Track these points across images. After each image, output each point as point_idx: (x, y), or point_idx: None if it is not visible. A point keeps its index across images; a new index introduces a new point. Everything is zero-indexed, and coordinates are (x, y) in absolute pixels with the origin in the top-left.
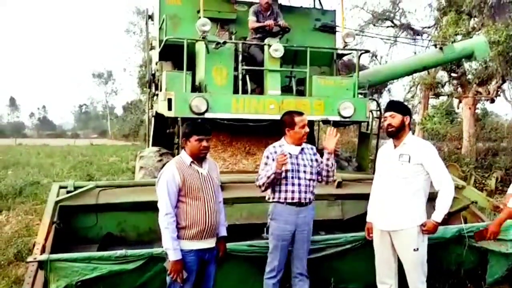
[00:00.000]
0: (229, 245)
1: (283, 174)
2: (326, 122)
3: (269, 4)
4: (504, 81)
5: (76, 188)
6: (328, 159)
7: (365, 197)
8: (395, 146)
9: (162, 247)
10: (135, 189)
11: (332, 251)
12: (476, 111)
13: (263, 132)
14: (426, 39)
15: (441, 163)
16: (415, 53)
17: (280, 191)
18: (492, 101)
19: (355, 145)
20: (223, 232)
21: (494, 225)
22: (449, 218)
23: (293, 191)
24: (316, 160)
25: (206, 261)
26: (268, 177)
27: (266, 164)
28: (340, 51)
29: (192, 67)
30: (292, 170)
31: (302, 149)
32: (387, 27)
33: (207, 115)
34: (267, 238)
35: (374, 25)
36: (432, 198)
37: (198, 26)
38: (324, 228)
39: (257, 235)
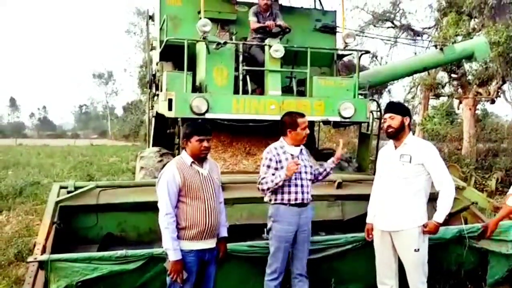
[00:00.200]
0: (230, 246)
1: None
2: (326, 122)
3: (268, 5)
4: (504, 82)
5: (76, 188)
6: (332, 165)
7: (365, 197)
8: (395, 147)
9: (162, 247)
10: (135, 190)
11: (332, 251)
12: (476, 112)
13: (263, 133)
14: (426, 40)
15: (442, 163)
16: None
17: (283, 193)
18: (493, 102)
19: (355, 146)
20: (224, 233)
21: (493, 223)
22: (449, 219)
23: (296, 192)
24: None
25: (206, 261)
26: (276, 184)
27: (269, 167)
28: (340, 52)
29: (192, 67)
30: (297, 172)
31: (301, 150)
32: (388, 27)
33: (207, 116)
34: (267, 239)
35: (375, 25)
36: (433, 198)
37: (199, 26)
38: (324, 228)
39: (257, 235)
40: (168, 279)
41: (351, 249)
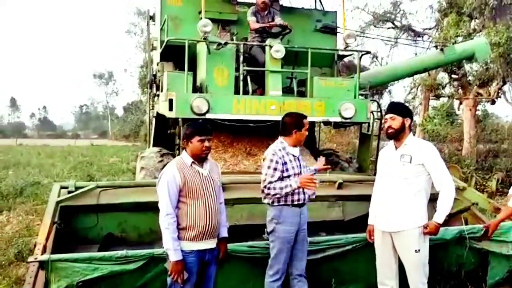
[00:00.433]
0: (230, 246)
1: (291, 178)
2: (327, 123)
3: (265, 3)
4: (504, 83)
5: (77, 188)
6: (311, 172)
7: (366, 198)
8: (396, 147)
9: (163, 247)
10: (136, 190)
11: (333, 252)
12: (477, 112)
13: (264, 133)
14: (427, 40)
15: (442, 164)
16: (416, 54)
17: (287, 195)
18: (493, 102)
19: (356, 146)
20: (224, 233)
21: (494, 224)
22: (449, 220)
23: (298, 193)
24: None
25: (207, 261)
26: (286, 193)
27: (276, 169)
28: (341, 52)
29: (193, 67)
30: (297, 173)
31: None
32: (388, 28)
33: (208, 116)
34: (267, 239)
35: (375, 26)
36: (433, 199)
37: (199, 26)
38: (325, 229)
39: (258, 236)
40: (168, 280)
41: (352, 249)
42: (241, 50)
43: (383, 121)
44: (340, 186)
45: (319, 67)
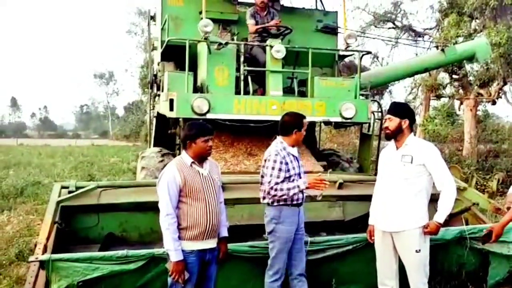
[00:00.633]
0: (230, 246)
1: (292, 178)
2: (327, 123)
3: (264, 3)
4: (505, 83)
5: (77, 188)
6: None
7: (366, 198)
8: (397, 148)
9: (163, 247)
10: (136, 190)
11: (333, 252)
12: (477, 113)
13: (264, 133)
14: (427, 40)
15: (443, 164)
16: (416, 54)
17: (293, 195)
18: (494, 103)
19: (356, 147)
20: (224, 233)
21: (499, 227)
22: (450, 220)
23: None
24: None
25: (207, 261)
26: (294, 194)
27: (280, 170)
28: (341, 52)
29: (194, 67)
30: (297, 173)
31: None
32: (389, 28)
33: (208, 116)
34: (267, 239)
35: (376, 26)
36: (434, 199)
37: (200, 27)
38: (325, 229)
39: (258, 236)
40: (169, 280)
41: (352, 249)
42: (242, 50)
43: (383, 121)
44: (340, 186)
45: (320, 67)
